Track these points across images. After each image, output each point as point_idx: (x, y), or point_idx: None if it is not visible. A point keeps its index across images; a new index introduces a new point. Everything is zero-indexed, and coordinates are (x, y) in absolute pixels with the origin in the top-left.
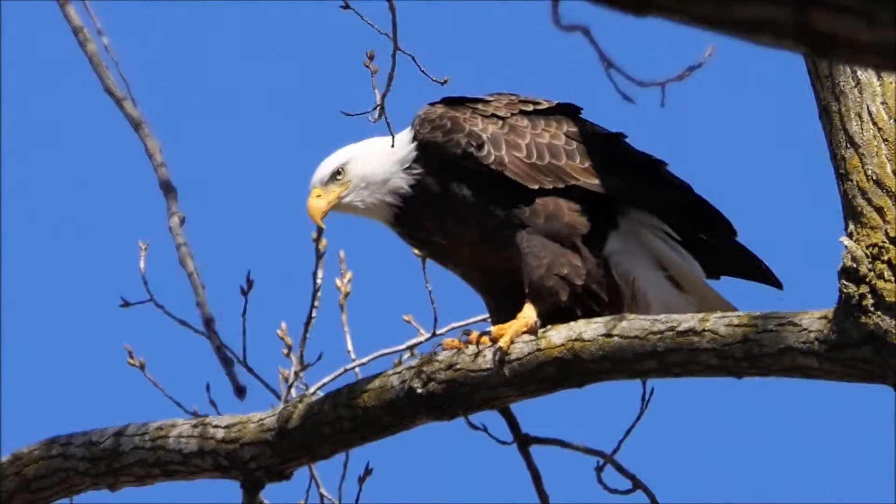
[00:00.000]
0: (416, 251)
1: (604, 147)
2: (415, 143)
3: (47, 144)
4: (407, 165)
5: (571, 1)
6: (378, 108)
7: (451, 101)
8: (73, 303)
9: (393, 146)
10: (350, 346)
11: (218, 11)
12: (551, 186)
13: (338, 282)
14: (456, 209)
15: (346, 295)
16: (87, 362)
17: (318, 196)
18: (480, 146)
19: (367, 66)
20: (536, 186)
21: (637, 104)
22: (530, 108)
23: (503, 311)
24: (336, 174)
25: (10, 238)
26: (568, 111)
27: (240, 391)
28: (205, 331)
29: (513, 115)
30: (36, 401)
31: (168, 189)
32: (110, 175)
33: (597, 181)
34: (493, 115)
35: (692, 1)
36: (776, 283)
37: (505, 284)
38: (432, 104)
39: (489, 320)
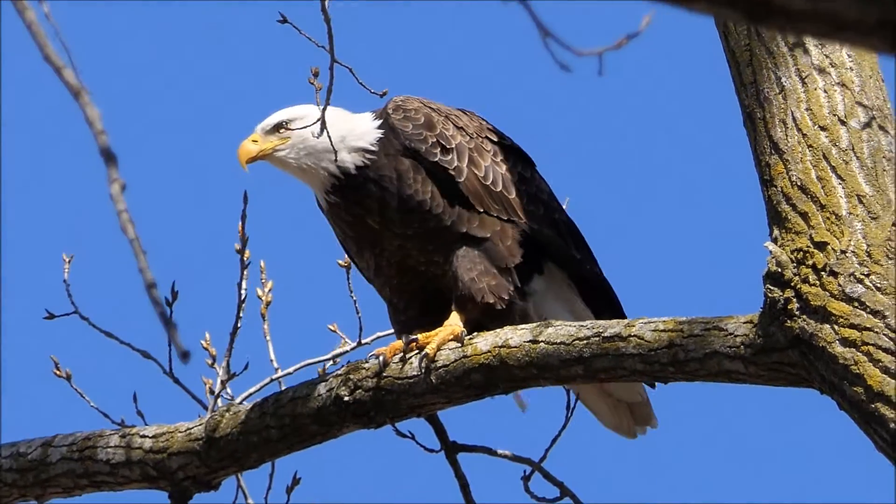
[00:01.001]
0: (339, 232)
1: (546, 203)
2: (380, 125)
3: None
4: (362, 144)
5: None
6: (320, 121)
7: (427, 100)
8: None
9: (382, 95)
10: (273, 356)
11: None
12: (495, 215)
13: (259, 291)
14: (403, 198)
15: (268, 304)
16: (13, 373)
17: (254, 142)
18: (447, 150)
19: (312, 83)
20: (482, 210)
21: (574, 73)
22: (495, 137)
23: (411, 312)
24: (279, 127)
25: None
26: (524, 156)
27: (184, 356)
28: (148, 296)
29: (479, 136)
30: None
31: (109, 157)
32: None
33: (536, 226)
34: (463, 129)
35: None
36: None
37: (417, 288)
38: (409, 97)
39: (390, 321)
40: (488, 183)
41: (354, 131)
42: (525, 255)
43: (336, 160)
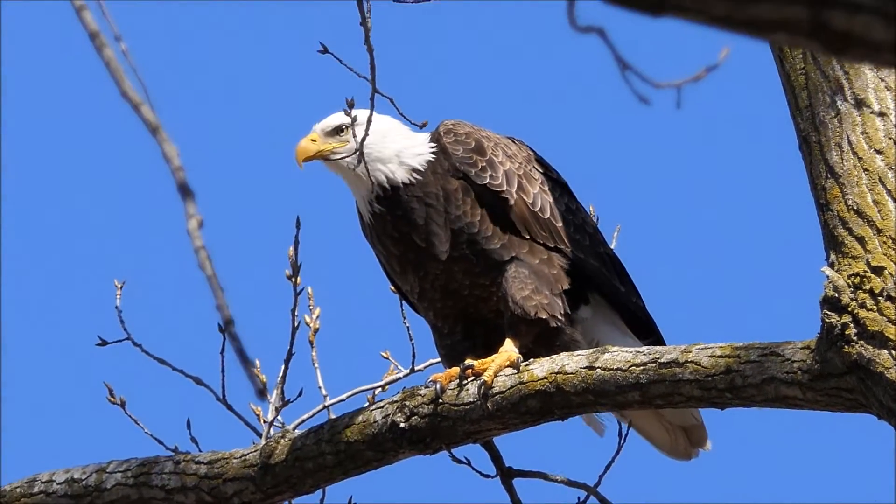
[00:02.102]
0: (382, 250)
1: (591, 235)
2: (432, 146)
3: (61, 150)
4: (413, 163)
5: (587, 2)
6: (357, 152)
7: (479, 127)
8: (53, 340)
9: (422, 126)
10: (321, 383)
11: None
12: (542, 242)
13: (307, 318)
14: (451, 218)
15: (316, 331)
16: (68, 400)
17: (313, 141)
18: (496, 175)
19: (348, 114)
20: (528, 236)
21: (653, 105)
22: (542, 168)
23: (456, 337)
24: (340, 129)
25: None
26: (569, 189)
27: (261, 393)
28: (225, 332)
29: (529, 164)
30: (18, 438)
31: (186, 192)
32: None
33: (582, 255)
34: (512, 157)
35: (710, 1)
36: None
37: (459, 312)
38: (461, 121)
39: (435, 346)
40: (536, 210)
41: (409, 149)
42: (572, 284)
43: (390, 171)
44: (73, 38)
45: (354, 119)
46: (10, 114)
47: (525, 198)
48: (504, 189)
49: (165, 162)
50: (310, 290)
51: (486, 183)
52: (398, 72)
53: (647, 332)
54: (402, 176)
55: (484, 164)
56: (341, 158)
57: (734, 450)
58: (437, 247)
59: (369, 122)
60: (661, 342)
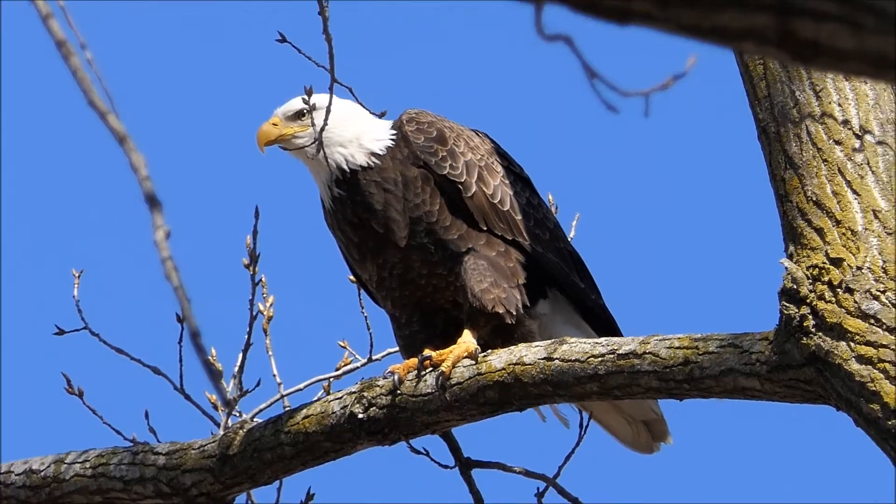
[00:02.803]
0: (342, 237)
1: (551, 231)
2: (393, 133)
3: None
4: (372, 147)
5: (554, 9)
6: (316, 142)
7: (441, 117)
8: (10, 329)
9: (381, 116)
10: (276, 371)
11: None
12: (500, 234)
13: (261, 306)
14: (408, 206)
15: (269, 319)
16: (26, 390)
17: (274, 125)
18: (456, 165)
19: (306, 102)
20: (485, 228)
21: (620, 114)
22: (504, 162)
23: (413, 327)
24: (301, 114)
25: None
26: (531, 185)
27: (227, 403)
28: (192, 344)
29: (491, 156)
30: None
31: (153, 203)
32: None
33: (540, 249)
34: (475, 148)
35: (676, 9)
36: None
37: (418, 300)
38: (424, 111)
39: (394, 336)
40: (496, 201)
41: (369, 133)
42: (530, 278)
43: (350, 154)
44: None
45: (313, 105)
46: None
47: (485, 189)
48: (464, 180)
49: (133, 171)
50: (263, 278)
51: (445, 173)
52: (360, 66)
53: (606, 329)
54: (360, 159)
55: (445, 153)
56: (301, 147)
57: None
58: (395, 233)
59: (328, 109)
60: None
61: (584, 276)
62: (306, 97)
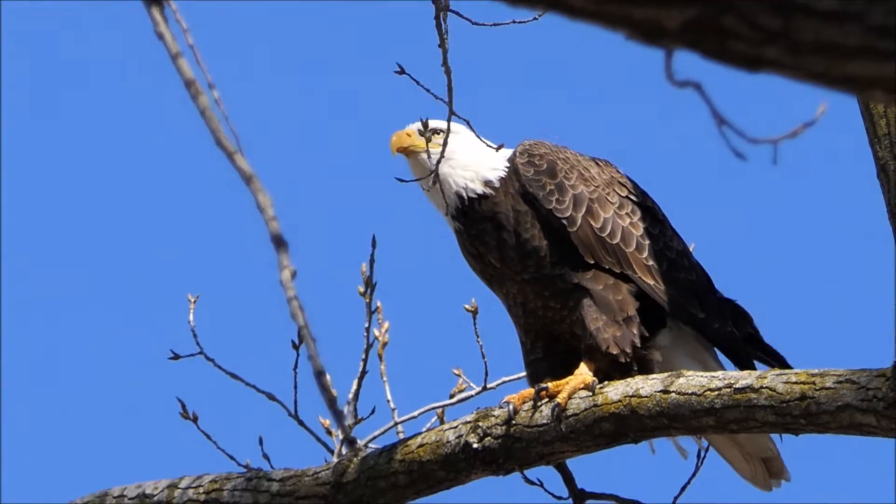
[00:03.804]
0: (470, 265)
1: (672, 261)
2: (507, 165)
3: (157, 195)
4: (488, 177)
5: (685, 55)
6: (433, 174)
7: (559, 148)
8: (128, 354)
9: (497, 149)
10: (389, 397)
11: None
12: (607, 267)
13: (376, 332)
14: (519, 241)
15: (385, 345)
16: (142, 414)
17: (408, 135)
18: (562, 199)
19: (422, 134)
20: (592, 261)
21: (749, 161)
22: (624, 192)
23: (538, 351)
24: (435, 132)
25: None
26: (655, 214)
27: (351, 443)
28: (317, 382)
29: (608, 187)
30: (90, 452)
31: (279, 243)
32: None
33: (651, 282)
34: (590, 179)
35: (806, 57)
36: None
37: (540, 328)
38: (541, 142)
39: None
40: (604, 234)
41: (487, 162)
42: (648, 309)
43: (469, 179)
44: (168, 83)
45: (446, 130)
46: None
47: (592, 222)
48: (569, 214)
49: (259, 212)
50: (380, 304)
51: (551, 207)
52: (477, 95)
53: (738, 356)
54: (477, 187)
55: (553, 187)
56: (421, 177)
57: (815, 482)
58: (510, 268)
59: (445, 144)
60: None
61: (707, 306)
62: (423, 129)
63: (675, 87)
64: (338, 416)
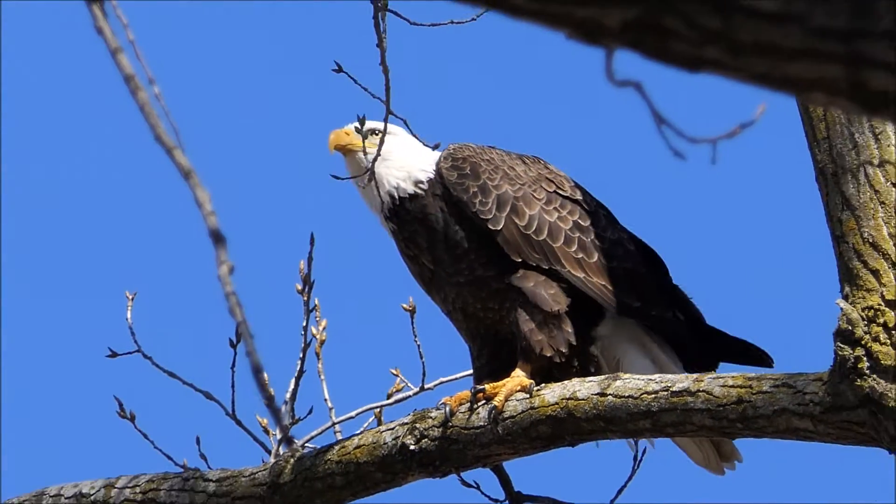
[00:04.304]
0: (409, 268)
1: (605, 251)
2: (435, 166)
3: (89, 189)
4: (418, 177)
5: (625, 55)
6: (368, 172)
7: (485, 149)
8: (63, 351)
9: (434, 148)
10: (327, 395)
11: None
12: (535, 264)
13: (314, 329)
14: (450, 244)
15: (322, 343)
16: (78, 413)
17: (346, 134)
18: (485, 201)
19: (359, 132)
20: (520, 260)
21: (688, 160)
22: (552, 187)
23: (483, 357)
24: (372, 132)
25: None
26: (586, 207)
27: (289, 441)
28: (255, 380)
29: (534, 185)
30: (26, 451)
31: (218, 238)
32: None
33: (581, 275)
34: (514, 178)
35: (748, 57)
36: (769, 363)
37: (484, 331)
38: (466, 144)
39: (472, 366)
40: (529, 232)
41: (418, 165)
42: (584, 300)
43: (395, 184)
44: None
45: (382, 130)
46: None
47: (518, 221)
48: (492, 216)
49: (198, 207)
50: (318, 301)
51: (475, 210)
52: (414, 94)
53: (695, 340)
54: (408, 187)
55: (476, 189)
56: (357, 175)
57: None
58: (444, 270)
59: (381, 143)
60: (716, 348)
61: (645, 294)
62: (359, 126)
63: (616, 87)
64: (275, 414)
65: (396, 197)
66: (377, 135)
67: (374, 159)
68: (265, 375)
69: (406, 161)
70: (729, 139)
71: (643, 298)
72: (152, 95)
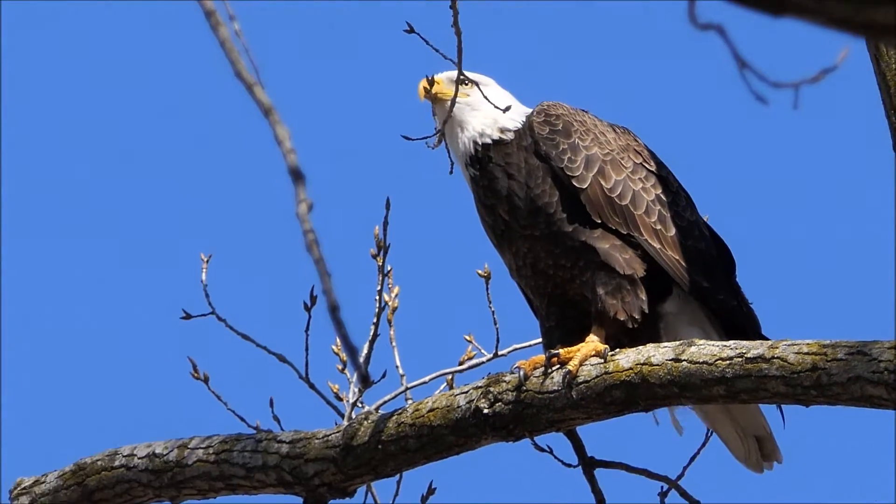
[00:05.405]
0: (483, 221)
1: (682, 228)
2: (525, 119)
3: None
4: (507, 124)
5: (709, 0)
6: (438, 133)
7: (578, 111)
8: (138, 313)
9: (504, 110)
10: (398, 362)
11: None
12: (614, 228)
13: (386, 296)
14: (530, 195)
15: (394, 310)
16: (152, 374)
17: (437, 83)
18: (574, 159)
19: (429, 95)
20: (599, 221)
21: (770, 105)
22: (639, 159)
23: (553, 319)
24: (464, 82)
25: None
26: (668, 184)
27: (364, 380)
28: (331, 318)
29: (622, 152)
30: (100, 411)
31: (297, 176)
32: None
33: (658, 245)
34: (604, 143)
35: (831, 2)
36: None
37: (552, 290)
38: (559, 103)
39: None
40: (614, 195)
41: (506, 114)
42: (654, 275)
43: (480, 130)
44: (184, 17)
45: (474, 81)
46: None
47: (603, 183)
48: (579, 174)
49: (277, 144)
50: (390, 268)
51: (563, 165)
52: (491, 58)
53: (738, 333)
54: (493, 133)
55: (566, 146)
56: (443, 126)
57: (819, 453)
58: (519, 223)
59: (453, 102)
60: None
61: (715, 277)
62: (428, 86)
63: (698, 30)
64: (352, 352)
65: (479, 143)
66: (469, 85)
67: (444, 121)
68: (341, 313)
69: (494, 110)
70: (812, 84)
71: (712, 281)
72: (233, 32)
